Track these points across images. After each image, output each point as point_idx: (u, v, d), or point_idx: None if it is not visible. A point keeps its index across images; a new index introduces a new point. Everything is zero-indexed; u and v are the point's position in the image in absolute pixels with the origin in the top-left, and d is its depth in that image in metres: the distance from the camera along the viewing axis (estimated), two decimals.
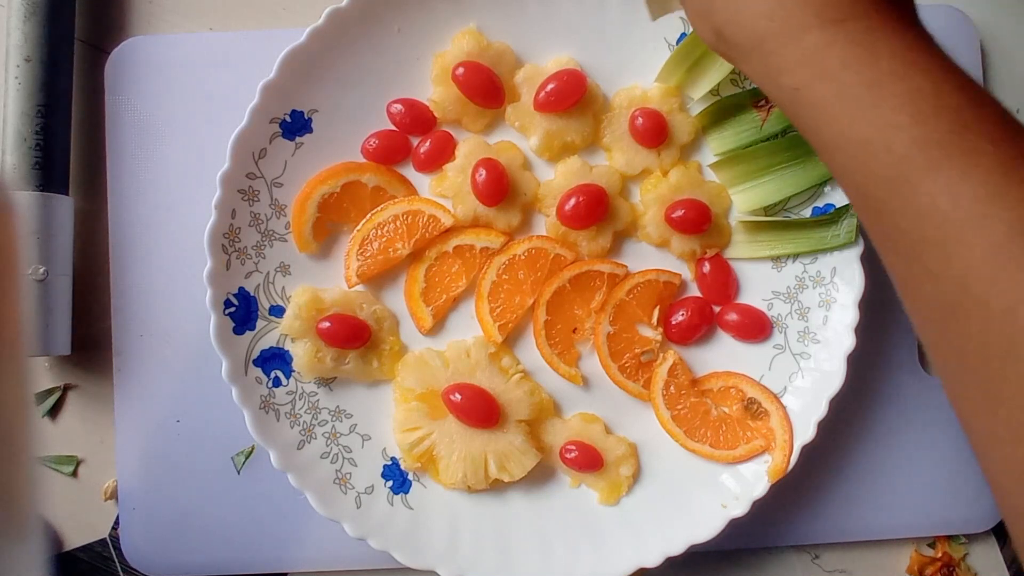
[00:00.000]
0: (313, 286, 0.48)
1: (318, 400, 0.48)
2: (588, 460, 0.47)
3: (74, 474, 0.51)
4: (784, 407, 0.48)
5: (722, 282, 0.49)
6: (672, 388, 0.48)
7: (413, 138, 0.49)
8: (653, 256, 0.49)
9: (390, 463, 0.48)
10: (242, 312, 0.47)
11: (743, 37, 0.32)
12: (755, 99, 0.48)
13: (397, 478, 0.48)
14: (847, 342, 0.47)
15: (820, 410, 0.47)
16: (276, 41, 0.48)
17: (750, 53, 0.32)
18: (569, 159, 0.48)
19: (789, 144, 0.47)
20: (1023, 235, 0.26)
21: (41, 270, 0.46)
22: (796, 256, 0.49)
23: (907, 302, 0.30)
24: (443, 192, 0.48)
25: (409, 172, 0.49)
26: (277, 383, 0.47)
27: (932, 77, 0.29)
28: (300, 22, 0.51)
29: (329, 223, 0.48)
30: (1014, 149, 0.27)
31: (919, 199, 0.28)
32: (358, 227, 0.48)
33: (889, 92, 0.29)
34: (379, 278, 0.49)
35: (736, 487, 0.48)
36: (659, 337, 0.49)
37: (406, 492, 0.48)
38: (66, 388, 0.51)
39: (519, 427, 0.47)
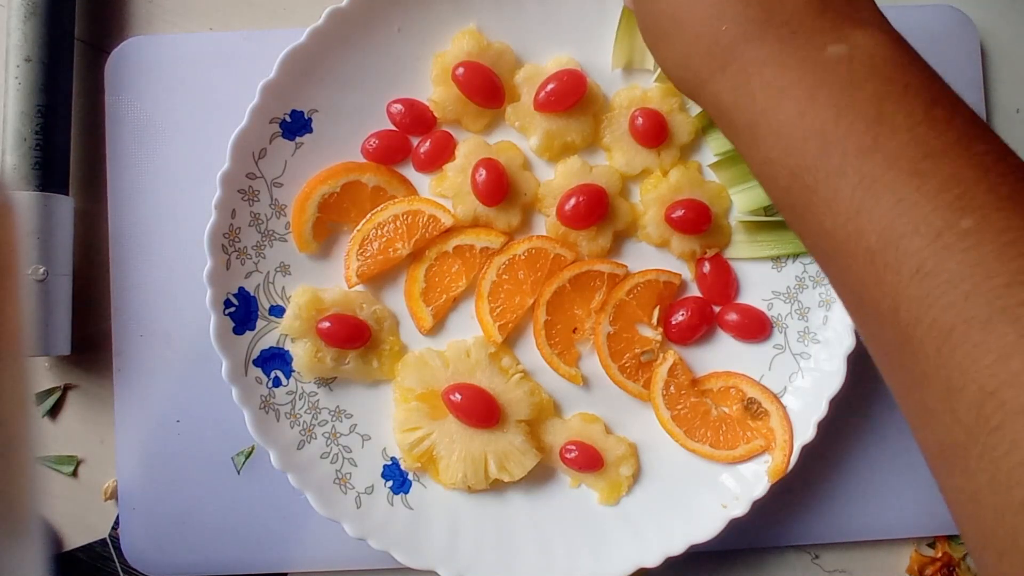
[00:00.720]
0: (313, 286, 0.48)
1: (318, 400, 0.48)
2: (588, 460, 0.48)
3: (74, 474, 0.51)
4: (784, 407, 0.48)
5: (722, 282, 0.49)
6: (672, 388, 0.48)
7: (413, 138, 0.49)
8: (653, 256, 0.49)
9: (390, 463, 0.48)
10: (242, 312, 0.47)
11: (678, 83, 0.35)
12: None
13: (397, 478, 0.48)
14: (847, 342, 0.47)
15: (820, 410, 0.47)
16: (276, 41, 0.48)
17: (688, 95, 0.35)
18: (569, 159, 0.48)
19: None
20: (888, 240, 0.27)
21: (41, 270, 0.46)
22: (796, 256, 0.49)
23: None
24: (443, 192, 0.48)
25: (409, 172, 0.49)
26: (277, 383, 0.47)
27: (796, 100, 0.29)
28: (300, 22, 0.51)
29: (329, 223, 0.48)
30: (878, 154, 0.28)
31: (810, 223, 0.30)
32: (358, 227, 0.48)
33: (764, 131, 0.30)
34: (379, 278, 0.49)
35: (736, 487, 0.48)
36: (659, 337, 0.49)
37: (406, 492, 0.48)
38: (66, 388, 0.51)
39: (519, 427, 0.47)
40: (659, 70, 0.48)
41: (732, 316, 0.49)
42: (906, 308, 0.27)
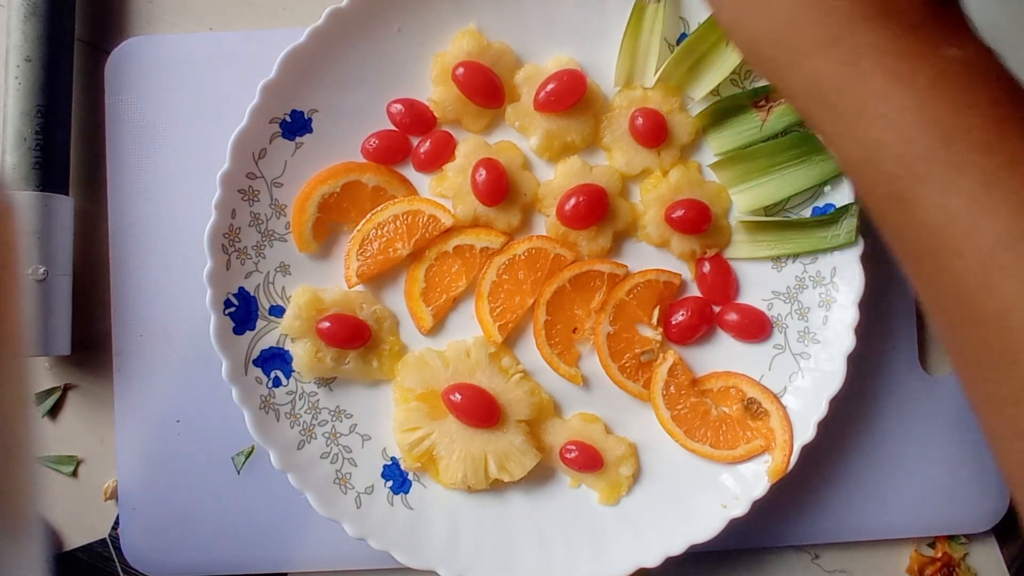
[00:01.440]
0: (313, 286, 0.48)
1: (318, 400, 0.48)
2: (588, 460, 0.48)
3: (74, 474, 0.51)
4: (784, 407, 0.48)
5: (722, 282, 0.49)
6: (672, 388, 0.48)
7: (413, 138, 0.49)
8: (653, 256, 0.49)
9: (390, 463, 0.48)
10: (242, 312, 0.47)
11: (759, 60, 0.33)
12: (755, 99, 0.48)
13: (397, 478, 0.48)
14: (847, 342, 0.47)
15: (820, 410, 0.47)
16: (276, 41, 0.48)
17: (771, 73, 0.33)
18: (569, 159, 0.48)
19: (789, 144, 0.47)
20: (1008, 245, 0.26)
21: (41, 270, 0.46)
22: (796, 256, 0.49)
23: (924, 307, 0.31)
24: (443, 192, 0.48)
25: (409, 172, 0.49)
26: (277, 383, 0.47)
27: (917, 89, 0.29)
28: (300, 22, 0.51)
29: (329, 223, 0.48)
30: (1001, 155, 0.27)
31: (913, 214, 0.29)
32: (358, 227, 0.48)
33: (874, 113, 0.29)
34: (379, 278, 0.49)
35: (736, 487, 0.48)
36: (659, 337, 0.49)
37: (406, 492, 0.48)
38: (66, 388, 0.51)
39: (519, 427, 0.47)
40: (659, 73, 0.48)
41: (732, 316, 0.49)
42: (1018, 316, 0.26)
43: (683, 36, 0.48)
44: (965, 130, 0.28)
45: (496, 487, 0.48)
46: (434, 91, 0.48)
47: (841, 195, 0.48)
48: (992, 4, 0.52)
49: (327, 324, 0.47)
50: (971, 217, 0.27)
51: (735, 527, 0.46)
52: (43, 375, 0.51)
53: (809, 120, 0.32)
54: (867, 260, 0.47)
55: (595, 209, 0.47)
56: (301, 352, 0.47)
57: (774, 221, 0.48)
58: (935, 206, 0.28)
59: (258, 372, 0.47)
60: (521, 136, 0.49)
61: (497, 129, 0.49)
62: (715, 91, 0.48)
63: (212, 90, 0.50)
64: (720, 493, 0.48)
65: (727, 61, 0.47)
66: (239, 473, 0.50)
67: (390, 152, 0.48)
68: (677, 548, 0.46)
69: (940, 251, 0.28)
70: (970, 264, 0.27)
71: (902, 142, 0.29)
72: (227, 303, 0.46)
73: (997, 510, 0.51)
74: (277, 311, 0.48)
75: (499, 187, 0.47)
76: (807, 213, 0.49)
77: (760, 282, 0.49)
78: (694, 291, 0.50)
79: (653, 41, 0.48)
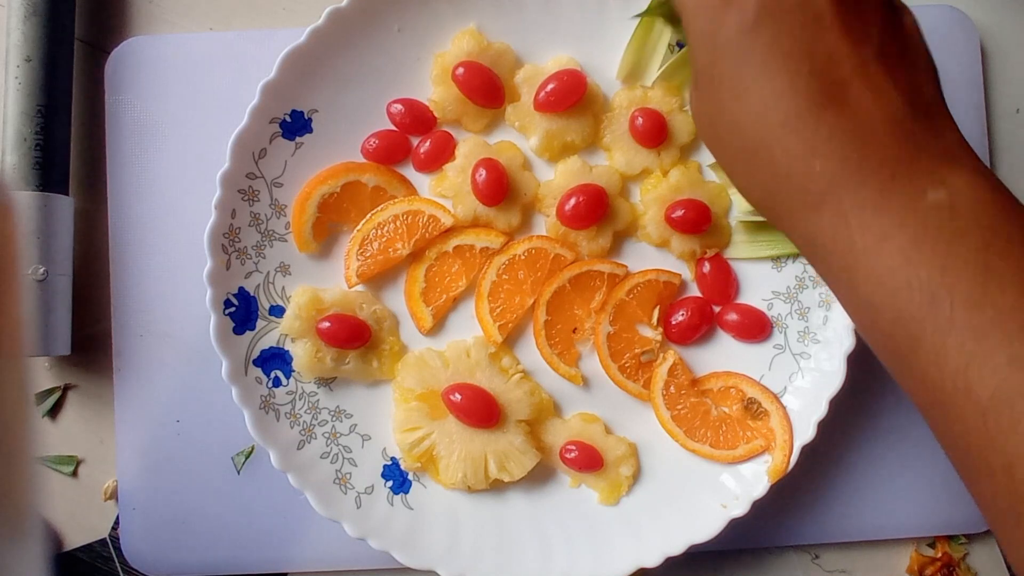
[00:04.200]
0: (313, 286, 0.48)
1: (318, 400, 0.48)
2: (588, 460, 0.48)
3: (74, 474, 0.51)
4: (784, 407, 0.48)
5: (722, 282, 0.49)
6: (672, 388, 0.48)
7: (413, 138, 0.49)
8: (653, 256, 0.49)
9: (390, 463, 0.48)
10: (242, 312, 0.47)
11: (759, 212, 0.34)
12: None
13: (397, 478, 0.48)
14: (847, 342, 0.47)
15: (820, 410, 0.47)
16: (276, 41, 0.48)
17: (773, 224, 0.34)
18: (569, 159, 0.48)
19: None
20: (1004, 401, 0.27)
21: (41, 270, 0.46)
22: (796, 256, 0.49)
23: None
24: (443, 192, 0.48)
25: (409, 172, 0.49)
26: (277, 383, 0.47)
27: (901, 248, 0.29)
28: (300, 22, 0.51)
29: (329, 223, 0.48)
30: (990, 309, 0.28)
31: (913, 370, 0.30)
32: (358, 227, 0.48)
33: (865, 274, 0.30)
34: (379, 278, 0.49)
35: (736, 487, 0.48)
36: (659, 337, 0.49)
37: (406, 492, 0.48)
38: (66, 388, 0.51)
39: (519, 427, 0.47)
40: (659, 74, 0.48)
41: (732, 316, 0.49)
42: (1021, 468, 0.27)
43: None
44: (950, 288, 0.28)
45: (496, 487, 0.48)
46: (434, 91, 0.48)
47: None
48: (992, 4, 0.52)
49: (327, 324, 0.47)
50: (966, 374, 0.27)
51: (735, 527, 0.46)
52: (43, 375, 0.51)
53: (816, 272, 0.33)
54: None
55: (595, 209, 0.47)
56: (301, 352, 0.47)
57: None
58: (932, 364, 0.28)
59: (258, 372, 0.47)
60: (521, 136, 0.49)
61: (497, 129, 0.49)
62: None
63: (212, 90, 0.50)
64: (720, 493, 0.48)
65: None
66: (239, 473, 0.50)
67: (390, 152, 0.48)
68: (677, 548, 0.46)
69: (944, 407, 0.29)
70: (971, 419, 0.28)
71: (892, 303, 0.29)
72: (227, 303, 0.46)
73: None
74: (277, 311, 0.48)
75: (499, 187, 0.47)
76: None
77: (760, 282, 0.49)
78: (694, 291, 0.50)
79: (661, 44, 0.47)
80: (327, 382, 0.48)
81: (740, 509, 0.47)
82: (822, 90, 0.30)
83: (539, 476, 0.48)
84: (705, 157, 0.49)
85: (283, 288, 0.48)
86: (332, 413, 0.48)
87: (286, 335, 0.47)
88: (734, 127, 0.32)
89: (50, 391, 0.51)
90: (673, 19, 0.44)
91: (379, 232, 0.48)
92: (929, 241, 0.29)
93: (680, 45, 0.48)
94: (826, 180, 0.30)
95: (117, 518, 0.51)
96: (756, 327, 0.49)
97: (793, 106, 0.30)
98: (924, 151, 0.30)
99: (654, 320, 0.49)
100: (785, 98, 0.30)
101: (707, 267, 0.49)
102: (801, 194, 0.31)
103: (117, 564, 0.51)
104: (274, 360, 0.47)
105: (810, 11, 0.30)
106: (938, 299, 0.28)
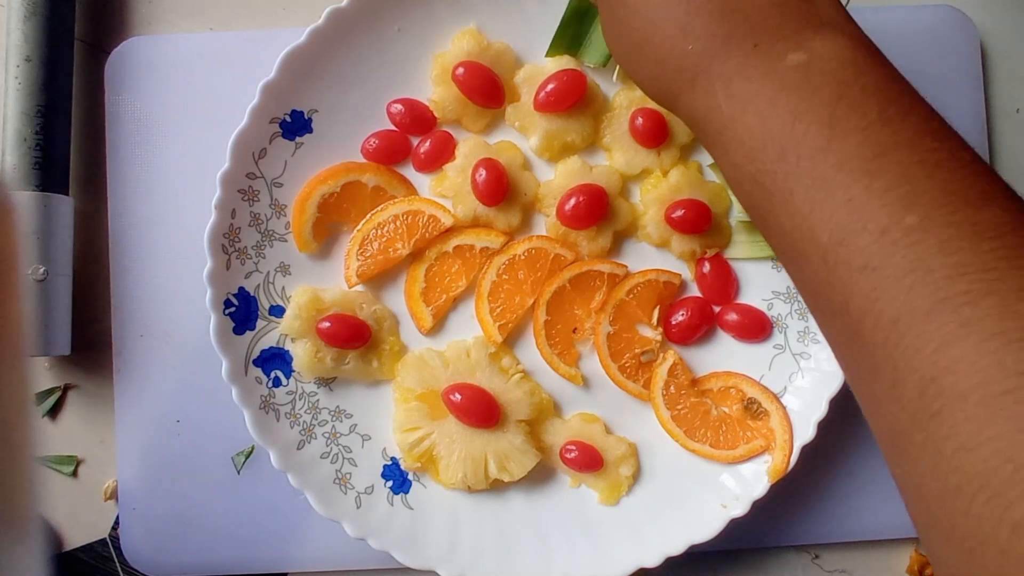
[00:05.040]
0: (313, 286, 0.48)
1: (318, 400, 0.48)
2: (588, 460, 0.48)
3: (74, 474, 0.51)
4: (784, 407, 0.48)
5: (722, 282, 0.49)
6: (672, 388, 0.48)
7: (413, 138, 0.49)
8: (653, 256, 0.49)
9: (390, 463, 0.48)
10: (242, 312, 0.47)
11: (651, 97, 0.36)
12: None
13: (397, 478, 0.48)
14: None
15: (820, 410, 0.47)
16: (276, 41, 0.48)
17: (664, 107, 0.36)
18: (569, 159, 0.48)
19: None
20: (840, 240, 0.29)
21: (41, 270, 0.46)
22: None
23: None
24: (443, 192, 0.48)
25: (409, 172, 0.49)
26: (277, 383, 0.47)
27: (757, 110, 0.30)
28: (300, 22, 0.51)
29: (329, 223, 0.48)
30: (833, 155, 0.29)
31: (770, 224, 0.31)
32: (358, 227, 0.48)
33: (729, 138, 0.32)
34: (379, 278, 0.49)
35: (736, 487, 0.48)
36: (659, 337, 0.49)
37: (406, 492, 0.48)
38: (66, 388, 0.51)
39: (519, 427, 0.47)
40: (617, 68, 0.48)
41: (732, 316, 0.49)
42: (856, 303, 0.28)
43: None
44: (797, 141, 0.29)
45: (496, 487, 0.48)
46: (434, 91, 0.48)
47: None
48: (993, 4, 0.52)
49: (327, 324, 0.47)
50: (810, 218, 0.29)
51: (735, 527, 0.46)
52: (43, 375, 0.51)
53: (701, 143, 0.35)
54: None
55: (595, 209, 0.47)
56: (301, 352, 0.47)
57: None
58: (784, 215, 0.30)
59: (258, 372, 0.47)
60: (521, 136, 0.49)
61: (497, 129, 0.49)
62: None
63: (212, 90, 0.50)
64: (720, 493, 0.48)
65: None
66: (239, 473, 0.50)
67: (390, 152, 0.48)
68: (677, 548, 0.46)
69: (795, 254, 0.30)
70: (815, 262, 0.29)
71: (749, 161, 0.31)
72: (227, 303, 0.46)
73: None
74: (277, 311, 0.48)
75: (499, 187, 0.47)
76: None
77: (760, 282, 0.49)
78: (694, 291, 0.50)
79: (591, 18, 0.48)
80: (327, 382, 0.48)
81: (740, 509, 0.47)
82: None
83: (539, 476, 0.48)
84: (705, 157, 0.49)
85: (283, 288, 0.48)
86: (332, 413, 0.48)
87: (286, 335, 0.47)
88: (626, 26, 0.34)
89: (50, 391, 0.51)
90: None
91: (379, 232, 0.48)
92: (783, 99, 0.30)
93: None
94: (697, 56, 0.32)
95: (117, 518, 0.51)
96: (756, 327, 0.49)
97: None
98: (789, 19, 0.31)
99: (654, 320, 0.49)
100: None
101: (707, 267, 0.49)
102: (679, 74, 0.33)
103: (117, 564, 0.51)
104: (274, 360, 0.47)
105: None
106: (787, 151, 0.30)
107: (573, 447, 0.48)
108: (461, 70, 0.47)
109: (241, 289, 0.47)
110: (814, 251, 0.29)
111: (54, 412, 0.51)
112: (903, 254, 0.27)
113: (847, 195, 0.28)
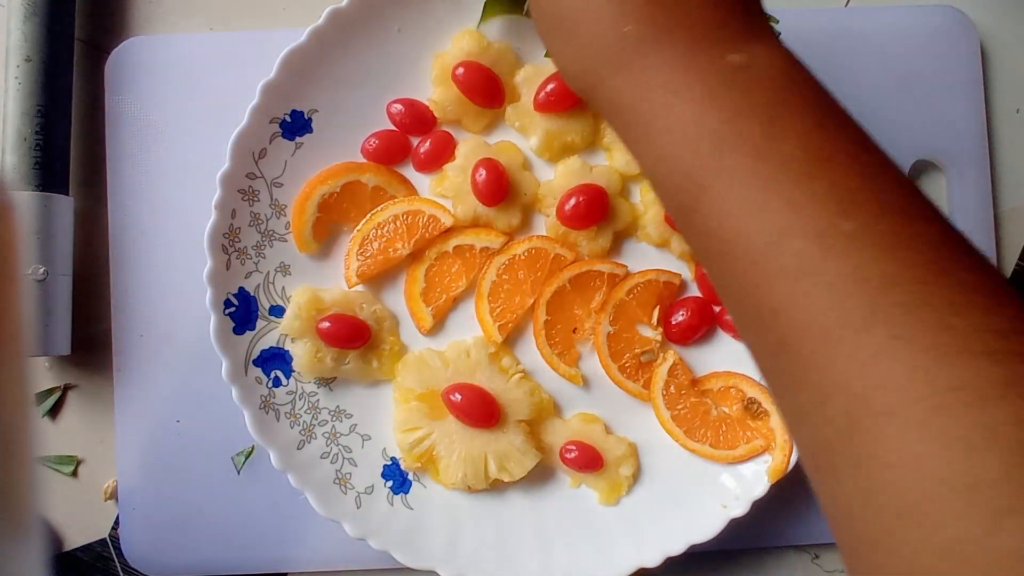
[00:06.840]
0: (313, 286, 0.48)
1: (318, 400, 0.48)
2: (588, 460, 0.48)
3: (74, 474, 0.51)
4: None
5: None
6: (672, 388, 0.48)
7: (413, 138, 0.49)
8: (653, 256, 0.49)
9: (390, 463, 0.48)
10: (242, 312, 0.47)
11: (571, 84, 0.35)
12: None
13: (397, 478, 0.48)
14: None
15: None
16: (276, 41, 0.48)
17: (582, 95, 0.35)
18: (569, 159, 0.48)
19: None
20: (774, 244, 0.28)
21: (41, 270, 0.46)
22: None
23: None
24: (443, 192, 0.48)
25: (409, 172, 0.49)
26: (277, 383, 0.47)
27: (694, 101, 0.30)
28: (300, 22, 0.51)
29: (329, 223, 0.48)
30: (774, 157, 0.28)
31: (697, 223, 0.30)
32: (358, 227, 0.48)
33: (659, 127, 0.30)
34: (379, 278, 0.49)
35: (736, 487, 0.48)
36: (659, 337, 0.49)
37: (406, 492, 0.48)
38: (66, 388, 0.51)
39: (519, 427, 0.47)
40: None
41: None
42: (786, 310, 0.27)
43: None
44: (736, 136, 0.29)
45: (496, 487, 0.48)
46: (434, 91, 0.48)
47: None
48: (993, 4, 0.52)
49: (327, 324, 0.47)
50: (745, 219, 0.28)
51: (735, 527, 0.46)
52: (43, 375, 0.51)
53: (619, 138, 0.34)
54: None
55: (595, 209, 0.47)
56: (301, 352, 0.47)
57: None
58: (716, 212, 0.29)
59: (258, 372, 0.47)
60: (521, 136, 0.49)
61: (497, 129, 0.49)
62: None
63: (212, 90, 0.50)
64: (720, 493, 0.48)
65: None
66: (239, 473, 0.50)
67: (390, 152, 0.48)
68: (677, 548, 0.46)
69: (723, 256, 0.29)
70: (746, 265, 0.28)
71: (682, 153, 0.30)
72: (227, 303, 0.46)
73: None
74: (277, 311, 0.48)
75: (499, 187, 0.47)
76: None
77: None
78: (694, 291, 0.50)
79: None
80: (327, 382, 0.48)
81: (740, 509, 0.47)
82: None
83: (539, 476, 0.48)
84: None
85: (283, 288, 0.48)
86: (332, 413, 0.48)
87: (286, 335, 0.47)
88: (555, 2, 0.33)
89: (50, 391, 0.51)
90: None
91: (379, 232, 0.48)
92: (723, 94, 0.29)
93: None
94: (633, 41, 0.31)
95: (117, 518, 0.51)
96: None
97: None
98: (732, 22, 0.31)
99: (654, 320, 0.49)
100: None
101: None
102: (608, 55, 0.32)
103: (117, 564, 0.51)
104: (274, 360, 0.47)
105: None
106: (725, 147, 0.29)
107: (573, 447, 0.48)
108: (461, 70, 0.47)
109: (241, 289, 0.47)
110: (744, 253, 0.28)
111: (54, 412, 0.51)
112: (839, 261, 0.26)
113: (785, 198, 0.27)
